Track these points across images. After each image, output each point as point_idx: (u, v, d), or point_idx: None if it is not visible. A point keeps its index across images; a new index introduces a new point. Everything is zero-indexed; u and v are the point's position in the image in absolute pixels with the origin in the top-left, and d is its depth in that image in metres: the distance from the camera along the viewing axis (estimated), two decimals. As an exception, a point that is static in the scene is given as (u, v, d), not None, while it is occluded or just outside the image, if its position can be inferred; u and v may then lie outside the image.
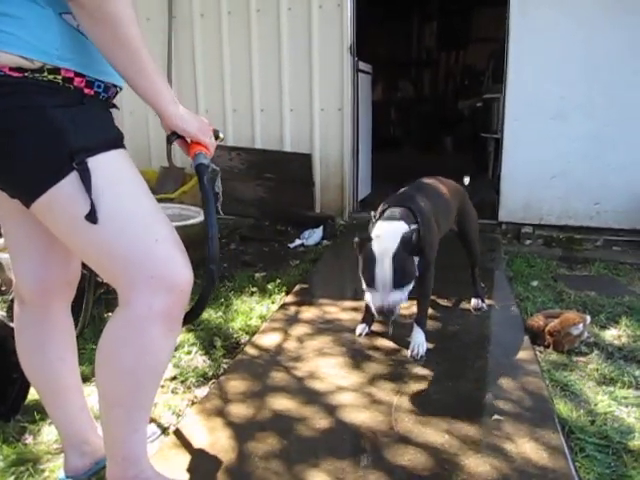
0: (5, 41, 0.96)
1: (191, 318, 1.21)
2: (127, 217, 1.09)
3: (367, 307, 2.15)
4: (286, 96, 4.43)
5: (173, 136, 1.18)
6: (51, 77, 1.00)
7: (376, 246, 1.85)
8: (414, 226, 1.89)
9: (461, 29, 8.93)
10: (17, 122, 1.00)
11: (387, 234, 1.87)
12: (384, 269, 1.80)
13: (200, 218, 3.43)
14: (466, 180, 2.66)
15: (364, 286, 1.90)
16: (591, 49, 3.73)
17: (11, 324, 1.75)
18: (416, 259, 1.92)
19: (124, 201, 1.09)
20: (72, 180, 1.02)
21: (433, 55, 9.51)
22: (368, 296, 1.89)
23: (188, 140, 1.19)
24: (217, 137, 1.28)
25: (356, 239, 1.94)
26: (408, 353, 2.06)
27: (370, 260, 1.84)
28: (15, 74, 0.97)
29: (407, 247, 1.83)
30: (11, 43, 0.97)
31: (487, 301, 2.58)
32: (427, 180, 2.35)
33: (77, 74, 1.04)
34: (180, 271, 1.12)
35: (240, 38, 4.40)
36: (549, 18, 3.77)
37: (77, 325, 1.54)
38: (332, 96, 4.33)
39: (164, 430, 1.66)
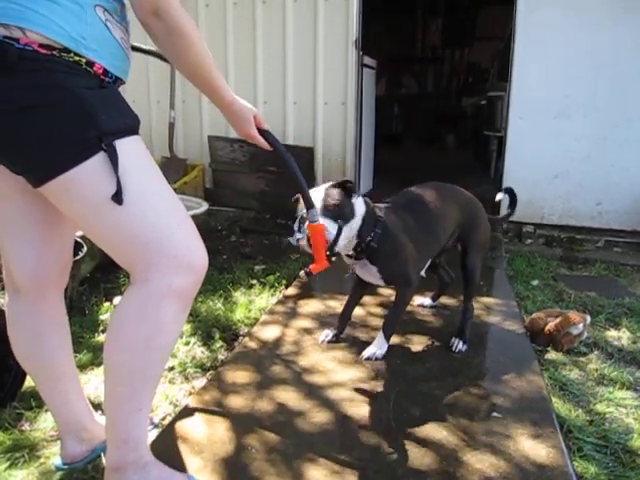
0: (36, 21, 0.96)
1: None
2: (150, 200, 1.10)
3: (342, 311, 2.18)
4: (290, 89, 4.41)
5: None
6: (77, 59, 1.01)
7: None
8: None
9: (467, 26, 8.91)
10: (42, 99, 0.99)
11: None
12: (316, 192, 1.75)
13: (202, 209, 3.41)
14: (499, 196, 2.46)
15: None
16: (596, 48, 3.72)
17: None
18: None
19: (147, 184, 1.11)
20: (98, 161, 1.02)
21: (438, 52, 9.48)
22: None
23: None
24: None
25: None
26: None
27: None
28: (43, 51, 0.97)
29: (347, 191, 1.78)
30: (42, 24, 0.97)
31: (486, 299, 2.57)
32: (422, 190, 2.08)
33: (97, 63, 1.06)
34: (200, 254, 1.15)
35: (245, 29, 4.39)
36: (556, 16, 3.76)
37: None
38: (336, 90, 4.31)
39: (161, 420, 1.65)
